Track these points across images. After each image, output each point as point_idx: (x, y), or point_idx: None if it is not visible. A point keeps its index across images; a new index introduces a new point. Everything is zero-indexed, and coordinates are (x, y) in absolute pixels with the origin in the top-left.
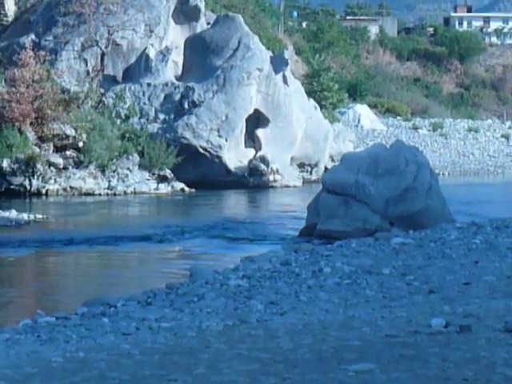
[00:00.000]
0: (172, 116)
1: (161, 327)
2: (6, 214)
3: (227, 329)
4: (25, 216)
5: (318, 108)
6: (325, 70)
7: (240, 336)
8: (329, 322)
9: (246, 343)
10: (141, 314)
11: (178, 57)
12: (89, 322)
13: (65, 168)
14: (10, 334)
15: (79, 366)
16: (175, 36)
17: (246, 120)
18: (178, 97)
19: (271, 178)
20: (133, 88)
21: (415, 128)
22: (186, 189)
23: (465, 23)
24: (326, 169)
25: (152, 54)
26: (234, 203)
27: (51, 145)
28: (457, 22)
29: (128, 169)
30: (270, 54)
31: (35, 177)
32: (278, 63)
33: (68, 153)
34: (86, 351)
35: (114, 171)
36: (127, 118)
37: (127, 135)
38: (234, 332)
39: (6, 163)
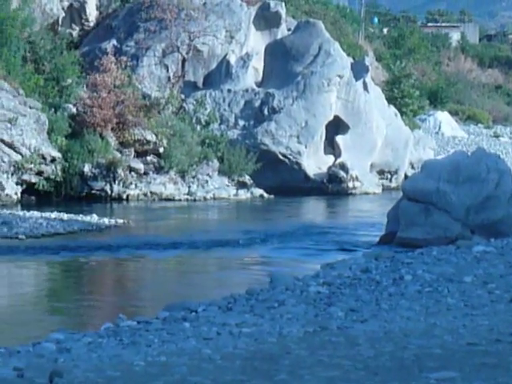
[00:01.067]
0: (252, 122)
1: (242, 332)
2: (88, 218)
3: (308, 335)
4: (106, 221)
5: (399, 115)
6: (405, 77)
7: (321, 343)
8: (410, 329)
9: (327, 350)
10: (222, 319)
11: (258, 63)
12: (170, 327)
13: (145, 173)
14: (92, 338)
15: (161, 370)
16: (256, 42)
17: (326, 126)
18: (257, 103)
19: (350, 184)
20: (213, 94)
21: (496, 136)
22: (265, 195)
23: None
24: (405, 176)
25: (233, 60)
26: (313, 210)
27: (132, 150)
28: None
29: (208, 175)
30: (350, 60)
31: (116, 182)
32: (359, 69)
33: (149, 158)
34: (167, 355)
35: (193, 177)
36: (207, 124)
37: (207, 141)
38: (315, 338)
39: (87, 168)
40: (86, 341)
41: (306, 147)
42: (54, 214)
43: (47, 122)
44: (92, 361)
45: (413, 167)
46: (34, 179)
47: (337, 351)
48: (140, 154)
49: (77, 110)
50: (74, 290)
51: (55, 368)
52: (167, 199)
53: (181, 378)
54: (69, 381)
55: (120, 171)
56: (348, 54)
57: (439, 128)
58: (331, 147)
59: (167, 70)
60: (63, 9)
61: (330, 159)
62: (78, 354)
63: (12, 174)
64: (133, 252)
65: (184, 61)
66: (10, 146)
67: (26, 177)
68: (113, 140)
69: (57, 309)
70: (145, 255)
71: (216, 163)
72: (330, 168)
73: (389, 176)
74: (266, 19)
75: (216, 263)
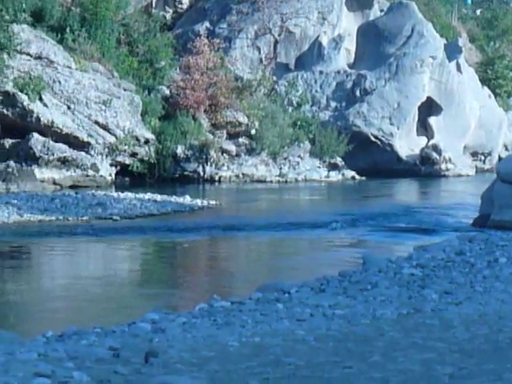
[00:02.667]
0: (343, 104)
1: (335, 314)
2: (181, 199)
3: (401, 317)
4: (198, 202)
5: (492, 96)
6: (499, 58)
7: (415, 325)
8: (505, 312)
9: (421, 332)
10: (315, 301)
11: (350, 44)
12: (263, 308)
13: (237, 155)
14: (186, 318)
15: (255, 350)
16: (348, 23)
17: (418, 108)
18: (349, 84)
19: (443, 166)
20: (305, 76)
21: None
22: (357, 177)
23: None
24: (499, 158)
25: (325, 41)
26: (406, 192)
27: (224, 132)
28: None
29: (299, 156)
30: (443, 41)
31: (208, 163)
32: (452, 51)
33: (240, 140)
34: (261, 336)
35: (285, 159)
36: (299, 105)
37: (299, 123)
38: (409, 321)
39: (180, 150)
40: (180, 321)
41: (398, 129)
42: (147, 196)
43: (141, 104)
44: (187, 341)
45: (507, 149)
46: (127, 161)
47: (431, 334)
48: (232, 136)
49: (170, 91)
50: (168, 271)
51: (150, 348)
52: (259, 181)
53: (275, 359)
54: (164, 361)
55: (212, 153)
56: (441, 35)
57: None
58: (424, 129)
59: (259, 52)
60: None
61: (423, 141)
62: (172, 335)
63: (106, 156)
64: (225, 233)
65: (276, 42)
66: (105, 127)
67: (120, 158)
68: (205, 122)
69: (151, 289)
70: (237, 236)
71: (307, 145)
72: (422, 150)
73: (482, 158)
74: (359, 0)
75: (307, 244)
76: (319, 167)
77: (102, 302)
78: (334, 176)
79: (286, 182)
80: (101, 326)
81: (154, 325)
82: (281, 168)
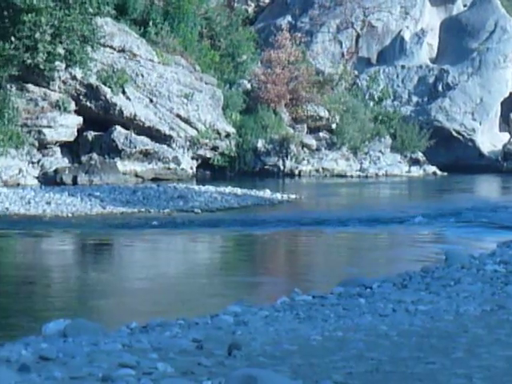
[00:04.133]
0: (425, 98)
1: (418, 310)
2: (261, 193)
3: (485, 314)
4: (278, 196)
5: None
6: None
7: (498, 321)
8: None
9: (505, 329)
10: (397, 296)
11: (432, 39)
12: (346, 302)
13: (317, 149)
14: (268, 312)
15: (338, 345)
16: (430, 18)
17: (501, 103)
18: (432, 79)
19: None
20: (386, 70)
21: None
22: (438, 172)
23: None
24: None
25: (407, 36)
26: (488, 187)
27: (305, 126)
28: None
29: (380, 151)
30: None
31: (288, 157)
32: None
33: (321, 134)
34: (344, 331)
35: (365, 153)
36: (380, 100)
37: (380, 117)
38: (492, 317)
39: (260, 143)
40: (262, 314)
41: (480, 124)
42: (227, 189)
43: (222, 98)
44: (269, 334)
45: None
46: (208, 154)
47: None
48: (312, 130)
49: (251, 85)
50: (248, 264)
51: (233, 340)
52: (339, 175)
53: (358, 354)
54: (247, 353)
55: (293, 147)
56: None
57: None
58: (506, 124)
59: (341, 46)
60: None
61: (505, 137)
62: (255, 327)
63: (188, 149)
64: (305, 227)
65: (358, 37)
66: (186, 121)
67: (201, 152)
68: (286, 116)
69: (231, 282)
70: (317, 230)
71: (388, 140)
72: (505, 145)
73: None
74: None
75: (388, 239)
76: (400, 162)
77: (183, 294)
78: (415, 171)
79: (367, 176)
80: (183, 317)
81: (237, 317)
82: (361, 163)
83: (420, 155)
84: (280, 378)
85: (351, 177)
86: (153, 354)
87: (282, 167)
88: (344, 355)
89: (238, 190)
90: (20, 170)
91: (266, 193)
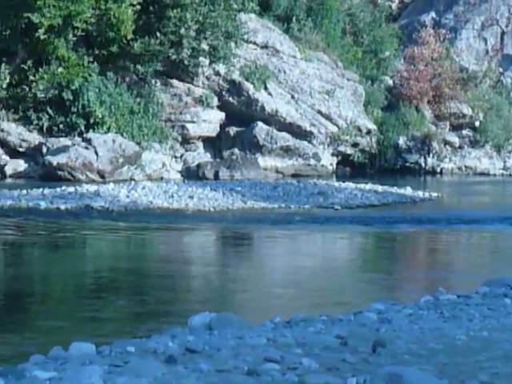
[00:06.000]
0: None
1: None
2: (402, 190)
3: None
4: (420, 193)
5: None
6: None
7: None
8: None
9: None
10: None
11: None
12: (491, 302)
13: (460, 147)
14: (412, 310)
15: (483, 345)
16: None
17: None
18: None
19: None
20: None
21: None
22: None
23: None
24: None
25: None
26: None
27: (447, 123)
28: None
29: None
30: None
31: (430, 155)
32: None
33: (464, 132)
34: (489, 331)
35: (509, 152)
36: None
37: None
38: None
39: (402, 141)
40: (406, 312)
41: None
42: (368, 186)
43: (364, 94)
44: (413, 332)
45: None
46: (349, 151)
47: None
48: (455, 128)
49: (393, 82)
50: (388, 261)
51: (378, 338)
52: (481, 173)
53: (504, 354)
54: (391, 351)
55: (435, 144)
56: None
57: None
58: None
59: (485, 43)
60: None
61: None
62: (399, 325)
63: (328, 146)
64: (447, 225)
65: (503, 34)
66: (327, 117)
67: (341, 148)
68: (428, 113)
69: (372, 279)
70: (459, 229)
71: None
72: None
73: None
74: None
75: None
76: None
77: (324, 291)
78: None
79: (510, 175)
80: (327, 314)
81: (380, 315)
82: (505, 161)
83: None
84: (426, 377)
85: (494, 175)
86: (297, 349)
87: (423, 165)
88: (489, 355)
89: (379, 187)
90: (163, 164)
91: (408, 190)
